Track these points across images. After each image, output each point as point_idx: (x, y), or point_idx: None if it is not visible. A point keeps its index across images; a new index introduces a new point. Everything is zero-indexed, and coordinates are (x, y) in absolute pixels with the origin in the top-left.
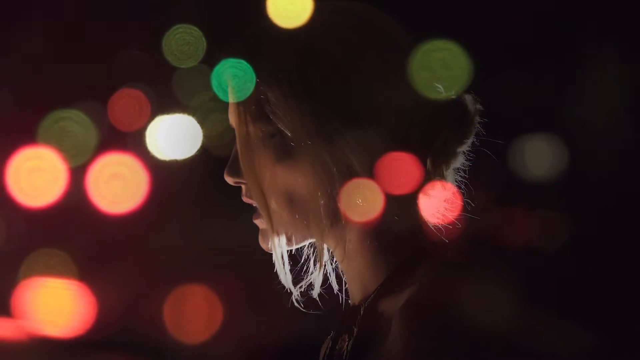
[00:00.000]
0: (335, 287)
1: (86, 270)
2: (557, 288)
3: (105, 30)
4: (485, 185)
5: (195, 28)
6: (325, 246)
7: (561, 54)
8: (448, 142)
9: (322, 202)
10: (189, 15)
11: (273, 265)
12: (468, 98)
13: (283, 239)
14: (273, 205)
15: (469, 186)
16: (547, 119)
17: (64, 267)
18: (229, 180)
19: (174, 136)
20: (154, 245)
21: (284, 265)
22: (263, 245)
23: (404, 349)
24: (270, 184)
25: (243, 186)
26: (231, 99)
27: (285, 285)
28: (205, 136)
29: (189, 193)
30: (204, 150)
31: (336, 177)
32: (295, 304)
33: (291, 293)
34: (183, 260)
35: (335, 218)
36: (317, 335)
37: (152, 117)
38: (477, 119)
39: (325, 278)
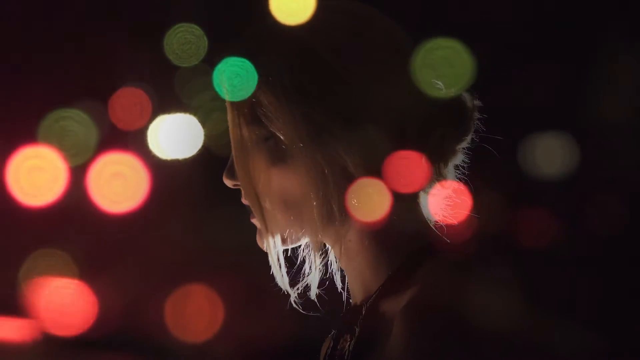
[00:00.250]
0: (339, 285)
1: (86, 269)
2: (560, 288)
3: (106, 29)
4: (496, 185)
5: (196, 27)
6: (326, 246)
7: (576, 52)
8: (445, 139)
9: (315, 203)
10: (190, 14)
11: (269, 261)
12: (466, 95)
13: (278, 239)
14: (268, 206)
15: (469, 184)
16: (561, 118)
17: (65, 267)
18: (228, 183)
19: (175, 135)
20: (155, 244)
21: (280, 266)
22: (260, 245)
23: (406, 350)
24: (265, 186)
25: (242, 189)
26: (227, 102)
27: (282, 287)
28: (206, 136)
29: (190, 193)
30: (205, 150)
31: (330, 178)
32: (294, 305)
33: (288, 294)
34: (184, 260)
35: (329, 218)
36: (317, 335)
37: (154, 116)
38: (476, 115)
39: (326, 279)
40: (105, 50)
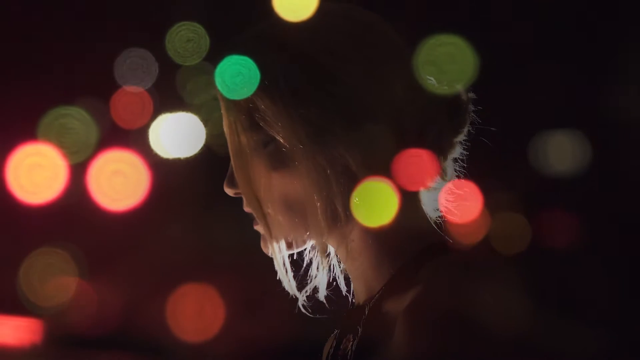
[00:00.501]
0: (343, 288)
1: (86, 267)
2: (566, 287)
3: (108, 27)
4: (506, 184)
5: (198, 25)
6: (329, 248)
7: (591, 50)
8: (443, 133)
9: (319, 204)
10: (192, 13)
11: (274, 265)
12: (460, 87)
13: (283, 244)
14: (271, 212)
15: (480, 183)
16: (573, 116)
17: (65, 265)
18: (229, 192)
19: (176, 134)
20: (155, 243)
21: (286, 271)
22: (265, 250)
23: (409, 350)
24: (266, 192)
25: (244, 196)
26: (223, 109)
27: (289, 291)
28: (208, 134)
29: (191, 192)
30: (206, 149)
31: (332, 178)
32: (302, 309)
33: (296, 298)
34: (184, 259)
35: (334, 219)
36: (320, 335)
37: (155, 115)
38: (471, 107)
39: (329, 280)
40: (106, 48)
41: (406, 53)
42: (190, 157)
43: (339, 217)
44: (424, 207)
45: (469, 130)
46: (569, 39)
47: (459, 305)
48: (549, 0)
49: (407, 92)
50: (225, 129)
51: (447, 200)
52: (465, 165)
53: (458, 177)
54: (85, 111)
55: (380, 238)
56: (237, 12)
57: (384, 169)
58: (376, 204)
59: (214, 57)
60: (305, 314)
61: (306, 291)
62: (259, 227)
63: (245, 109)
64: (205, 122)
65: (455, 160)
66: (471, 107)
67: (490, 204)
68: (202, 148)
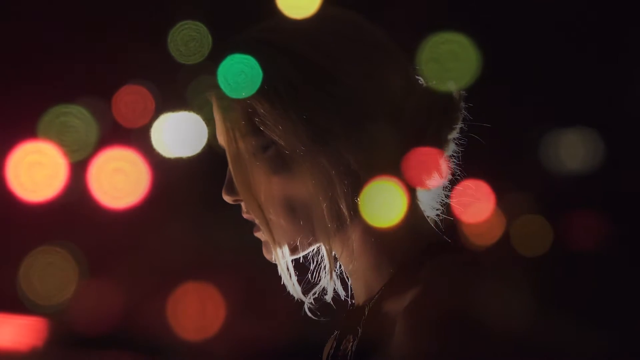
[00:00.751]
0: (342, 293)
1: (86, 266)
2: (572, 289)
3: (109, 26)
4: (523, 185)
5: (200, 24)
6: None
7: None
8: (440, 130)
9: (324, 205)
10: (194, 12)
11: (275, 266)
12: (452, 85)
13: (286, 249)
14: (273, 217)
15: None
16: (586, 114)
17: (65, 264)
18: (228, 199)
19: (178, 133)
20: (156, 242)
21: (290, 276)
22: (268, 257)
23: (409, 350)
24: (267, 196)
25: (242, 203)
26: (217, 117)
27: (295, 295)
28: (210, 134)
29: (193, 191)
30: (208, 148)
31: (335, 179)
32: (309, 313)
33: (301, 301)
34: (185, 258)
35: (339, 220)
36: (320, 336)
37: (157, 114)
38: (463, 105)
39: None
40: (108, 47)
41: (401, 54)
42: (192, 156)
43: (344, 218)
44: (421, 206)
45: (462, 128)
46: (583, 32)
47: (458, 305)
48: None
49: (404, 91)
50: (221, 136)
51: (444, 194)
52: (474, 164)
53: (453, 175)
54: (86, 109)
55: (380, 238)
56: (239, 11)
57: (386, 168)
58: (385, 203)
59: (215, 56)
60: (306, 314)
61: (313, 294)
62: (259, 234)
63: (244, 114)
64: (207, 121)
65: (449, 158)
66: (463, 105)
67: (506, 205)
68: (203, 147)
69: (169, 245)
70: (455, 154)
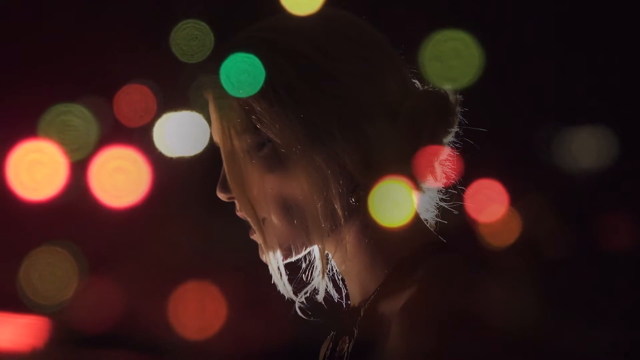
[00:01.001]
0: (335, 295)
1: (87, 265)
2: (570, 287)
3: (111, 24)
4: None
5: (202, 23)
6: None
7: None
8: (435, 134)
9: (319, 205)
10: (196, 10)
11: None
12: (448, 88)
13: (278, 251)
14: (267, 217)
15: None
16: (600, 112)
17: (65, 263)
18: (222, 196)
19: (180, 133)
20: (157, 242)
21: (281, 276)
22: (263, 259)
23: (404, 350)
24: (260, 195)
25: (235, 201)
26: (213, 114)
27: (285, 295)
28: (214, 140)
29: (194, 190)
30: (210, 148)
31: (331, 178)
32: (299, 312)
33: (293, 301)
34: (185, 258)
35: (334, 220)
36: (317, 337)
37: (159, 113)
38: (459, 109)
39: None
40: (109, 45)
41: (399, 56)
42: (193, 155)
43: (338, 218)
44: (417, 206)
45: (457, 132)
46: (598, 29)
47: (453, 305)
48: None
49: (401, 93)
50: (216, 134)
51: (437, 197)
52: (486, 166)
53: (447, 178)
54: (86, 108)
55: (375, 239)
56: (241, 10)
57: (381, 170)
58: (393, 202)
59: (216, 55)
60: (312, 318)
61: (305, 293)
62: (255, 237)
63: (240, 112)
64: (209, 121)
65: (444, 162)
66: (459, 109)
67: (521, 206)
68: (205, 147)
69: (169, 245)
70: (450, 157)
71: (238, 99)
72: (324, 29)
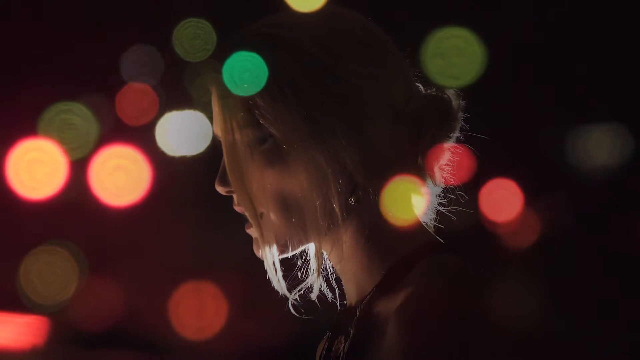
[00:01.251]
0: (329, 295)
1: (87, 264)
2: (574, 287)
3: (113, 23)
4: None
5: (205, 22)
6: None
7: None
8: (436, 138)
9: (318, 203)
10: (199, 9)
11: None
12: (451, 93)
13: (274, 246)
14: (265, 212)
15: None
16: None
17: (65, 262)
18: (220, 190)
19: (183, 132)
20: (157, 241)
21: (276, 271)
22: (258, 254)
23: (400, 350)
24: (259, 190)
25: (234, 195)
26: (216, 107)
27: (279, 291)
28: (214, 132)
29: (195, 190)
30: (213, 147)
31: (330, 177)
32: (292, 310)
33: (286, 298)
34: (186, 257)
35: (331, 219)
36: (314, 336)
37: (161, 112)
38: (461, 115)
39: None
40: (109, 44)
41: (403, 58)
42: (195, 154)
43: (336, 217)
44: (415, 207)
45: (457, 137)
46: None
47: (450, 305)
48: None
49: (404, 96)
50: (218, 127)
51: (436, 200)
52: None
53: (447, 182)
54: (87, 107)
55: (372, 239)
56: (244, 8)
57: (380, 172)
58: (404, 200)
59: (220, 51)
60: (303, 316)
61: (299, 291)
62: (251, 231)
63: (243, 106)
64: (211, 119)
65: (444, 166)
66: (461, 115)
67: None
68: (208, 146)
69: (169, 244)
70: (449, 162)
71: None
72: (329, 27)
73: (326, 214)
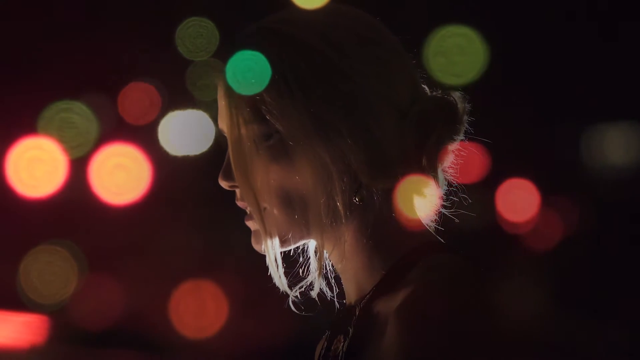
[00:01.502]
0: (328, 293)
1: (86, 263)
2: (578, 286)
3: (114, 22)
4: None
5: (208, 21)
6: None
7: None
8: (441, 141)
9: (322, 200)
10: (202, 8)
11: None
12: (457, 95)
13: (276, 240)
14: (268, 207)
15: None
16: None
17: (65, 262)
18: (224, 184)
19: (185, 131)
20: (157, 240)
21: (277, 267)
22: (256, 247)
23: (399, 350)
24: (264, 185)
25: (237, 190)
26: (222, 102)
27: (280, 287)
28: (217, 132)
29: (195, 188)
30: (216, 146)
31: (335, 175)
32: (292, 307)
33: (287, 295)
34: (187, 257)
35: (335, 216)
36: (313, 335)
37: (163, 111)
38: (466, 118)
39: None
40: (110, 43)
41: (410, 59)
42: (196, 154)
43: (339, 215)
44: (417, 208)
45: (462, 139)
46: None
47: (449, 305)
48: None
49: (410, 97)
50: (223, 121)
51: (439, 201)
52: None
53: (450, 185)
54: (86, 106)
55: (374, 239)
56: (247, 7)
57: (384, 172)
58: (407, 201)
59: (223, 52)
60: (300, 314)
61: (300, 287)
62: (250, 223)
63: (250, 102)
64: (215, 119)
65: (447, 169)
66: (466, 118)
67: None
68: (210, 146)
69: (170, 243)
70: (453, 165)
71: None
72: (336, 25)
73: (329, 211)
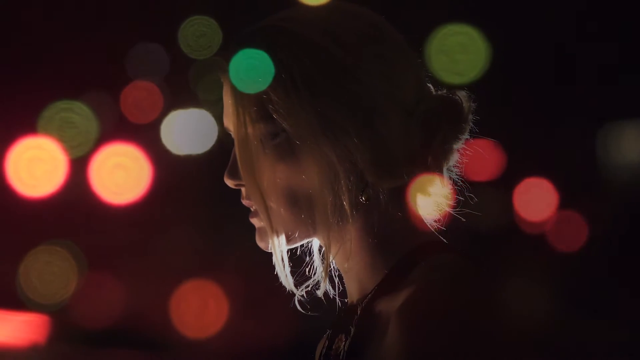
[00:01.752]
0: (331, 291)
1: (86, 263)
2: (580, 286)
3: (114, 21)
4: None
5: (211, 19)
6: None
7: None
8: (447, 140)
9: (329, 199)
10: (204, 7)
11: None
12: (462, 95)
13: (283, 238)
14: (274, 205)
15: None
16: None
17: (65, 261)
18: (229, 183)
19: (188, 131)
20: (157, 239)
21: (284, 266)
22: (261, 245)
23: (401, 349)
24: (270, 184)
25: (242, 189)
26: (228, 100)
27: (286, 286)
28: (220, 131)
29: (195, 188)
30: (218, 146)
31: (341, 174)
32: (298, 306)
33: (293, 294)
34: (188, 257)
35: (341, 215)
36: (317, 334)
37: (165, 110)
38: (471, 117)
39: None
40: (111, 43)
41: (416, 59)
42: (198, 154)
43: (345, 214)
44: (421, 207)
45: (466, 139)
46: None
47: (450, 305)
48: None
49: (416, 96)
50: (230, 119)
51: (443, 201)
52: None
53: (454, 183)
54: (87, 106)
55: (378, 239)
56: (249, 5)
57: (390, 171)
58: (412, 200)
59: (228, 50)
60: (303, 312)
61: (306, 287)
62: (255, 220)
63: (257, 100)
64: (217, 118)
65: (452, 168)
66: (472, 117)
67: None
68: (214, 144)
69: (170, 243)
70: (458, 164)
71: None
72: (342, 23)
73: (336, 210)
